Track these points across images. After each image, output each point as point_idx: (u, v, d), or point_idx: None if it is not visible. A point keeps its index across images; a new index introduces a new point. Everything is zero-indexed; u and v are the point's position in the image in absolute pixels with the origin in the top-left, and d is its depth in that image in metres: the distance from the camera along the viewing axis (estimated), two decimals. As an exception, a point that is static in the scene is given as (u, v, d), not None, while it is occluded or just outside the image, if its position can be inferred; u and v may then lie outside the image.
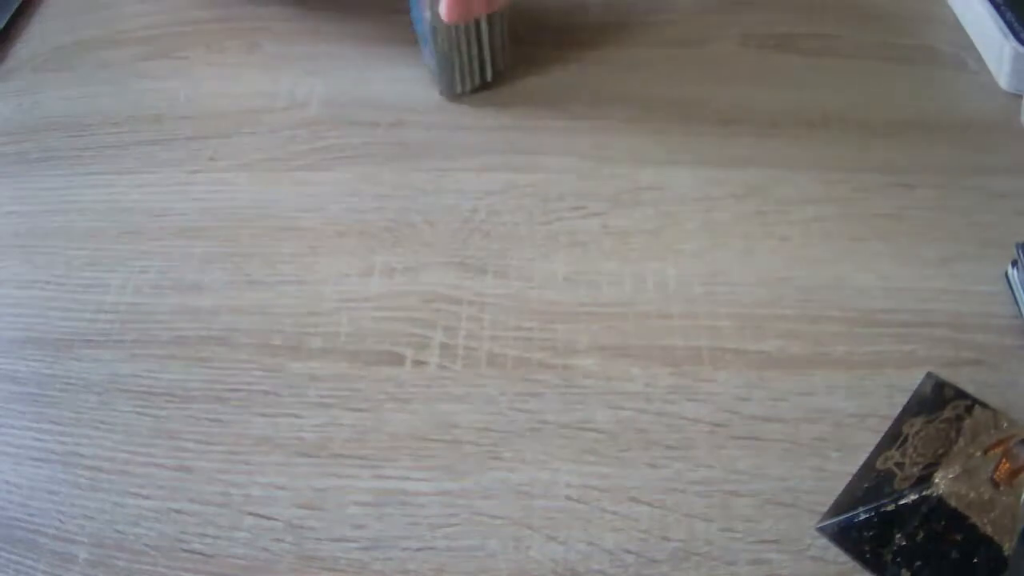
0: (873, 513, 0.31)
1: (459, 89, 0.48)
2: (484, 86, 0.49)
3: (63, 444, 0.36)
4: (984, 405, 0.34)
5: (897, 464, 0.33)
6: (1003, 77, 0.48)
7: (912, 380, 0.36)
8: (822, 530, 0.32)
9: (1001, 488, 0.30)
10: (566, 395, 0.36)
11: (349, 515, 0.33)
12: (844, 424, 0.35)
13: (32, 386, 0.38)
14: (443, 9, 0.43)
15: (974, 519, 0.30)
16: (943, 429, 0.33)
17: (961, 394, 0.34)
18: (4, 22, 0.56)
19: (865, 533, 0.31)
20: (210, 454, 0.35)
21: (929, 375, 0.36)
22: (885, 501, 0.31)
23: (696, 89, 0.48)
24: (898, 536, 0.31)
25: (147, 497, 0.34)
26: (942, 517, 0.30)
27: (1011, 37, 0.47)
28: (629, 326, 0.38)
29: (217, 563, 0.32)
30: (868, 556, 0.31)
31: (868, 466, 0.33)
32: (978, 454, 0.31)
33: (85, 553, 0.33)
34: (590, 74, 0.50)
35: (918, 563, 0.30)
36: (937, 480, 0.31)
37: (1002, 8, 0.49)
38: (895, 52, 0.51)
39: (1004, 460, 0.31)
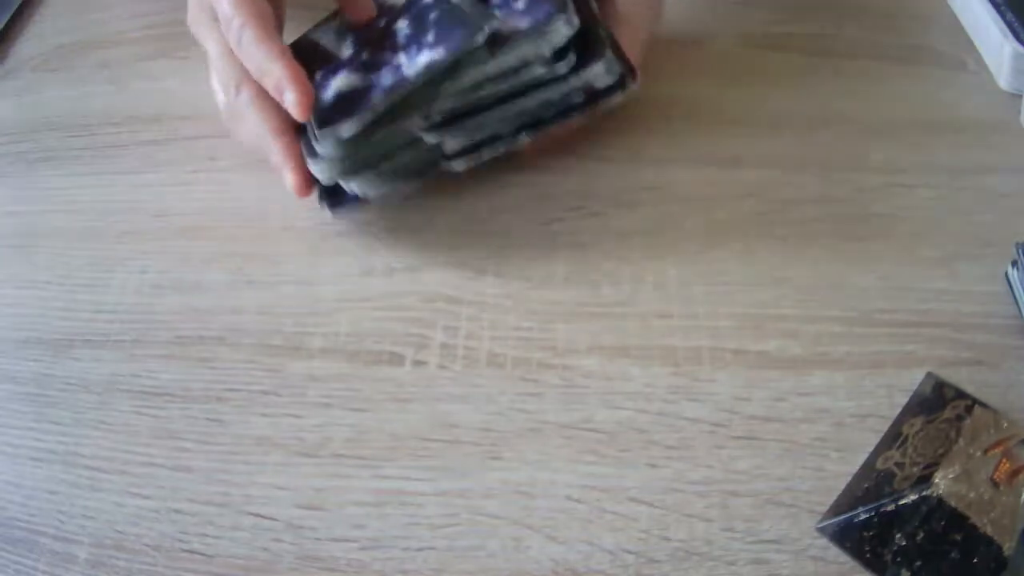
0: (873, 513, 0.31)
1: None
2: None
3: (63, 444, 0.36)
4: (984, 405, 0.34)
5: (897, 464, 0.33)
6: (1003, 77, 0.48)
7: (912, 380, 0.36)
8: (822, 530, 0.32)
9: (1001, 488, 0.30)
10: (566, 395, 0.36)
11: (349, 515, 0.33)
12: (844, 424, 0.35)
13: (32, 386, 0.38)
14: None
15: (974, 519, 0.30)
16: (943, 429, 0.33)
17: (961, 394, 0.34)
18: (4, 22, 0.56)
19: (865, 533, 0.31)
20: (210, 454, 0.35)
21: (929, 375, 0.36)
22: (885, 501, 0.31)
23: (696, 89, 0.48)
24: (898, 536, 0.31)
25: (147, 497, 0.34)
26: (942, 517, 0.30)
27: (1011, 37, 0.47)
28: (629, 326, 0.38)
29: (217, 563, 0.32)
30: (868, 556, 0.31)
31: (868, 466, 0.33)
32: (978, 454, 0.31)
33: (85, 553, 0.33)
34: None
35: (918, 563, 0.30)
36: (937, 480, 0.31)
37: (1002, 8, 0.49)
38: (895, 52, 0.51)
39: (1004, 460, 0.31)
